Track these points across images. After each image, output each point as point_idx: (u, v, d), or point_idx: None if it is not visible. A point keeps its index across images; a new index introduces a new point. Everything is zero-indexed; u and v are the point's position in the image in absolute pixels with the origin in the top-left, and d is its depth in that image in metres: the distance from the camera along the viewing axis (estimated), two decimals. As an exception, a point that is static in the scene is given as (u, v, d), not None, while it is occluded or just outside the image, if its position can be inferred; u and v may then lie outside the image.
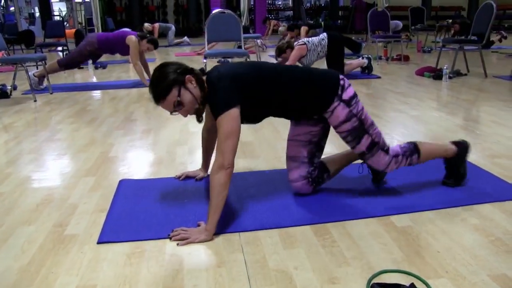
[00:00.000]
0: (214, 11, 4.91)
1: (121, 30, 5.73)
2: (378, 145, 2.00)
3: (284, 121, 3.43)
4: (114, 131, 3.44)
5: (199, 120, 1.94)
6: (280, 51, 5.48)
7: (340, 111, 1.95)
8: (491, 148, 2.85)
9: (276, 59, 5.61)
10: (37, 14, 16.07)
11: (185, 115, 1.88)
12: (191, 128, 3.43)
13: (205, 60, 4.60)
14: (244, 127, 3.38)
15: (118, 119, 3.81)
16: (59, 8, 20.23)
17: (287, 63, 5.38)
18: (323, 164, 2.15)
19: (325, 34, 5.68)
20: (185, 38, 12.44)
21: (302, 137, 2.11)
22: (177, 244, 1.71)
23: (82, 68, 7.45)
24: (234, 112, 1.78)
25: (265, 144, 3.02)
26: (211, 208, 1.74)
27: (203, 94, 1.86)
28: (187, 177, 2.38)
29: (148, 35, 5.65)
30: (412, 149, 2.08)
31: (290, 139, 2.15)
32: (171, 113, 1.87)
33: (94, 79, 6.42)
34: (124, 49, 5.49)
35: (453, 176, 2.23)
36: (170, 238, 1.75)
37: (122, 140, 3.19)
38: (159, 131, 3.40)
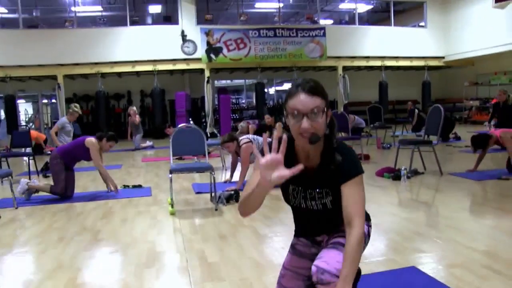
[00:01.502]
0: (179, 126, 5.15)
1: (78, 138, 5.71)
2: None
3: (248, 237, 3.50)
4: (81, 252, 3.42)
5: (312, 142, 1.78)
6: (224, 142, 5.83)
7: None
8: (448, 257, 2.99)
9: (221, 146, 6.00)
10: (3, 116, 16.16)
11: (307, 128, 1.72)
12: (158, 248, 3.46)
13: (170, 175, 4.72)
14: (208, 246, 3.43)
15: (85, 239, 3.79)
16: (25, 109, 20.32)
17: (242, 161, 5.72)
18: None
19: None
20: (147, 142, 12.66)
21: (304, 271, 2.03)
22: None
23: (48, 176, 7.42)
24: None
25: (230, 265, 3.04)
26: (354, 263, 1.70)
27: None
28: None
29: (106, 133, 5.70)
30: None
31: (288, 269, 2.07)
32: (297, 114, 1.73)
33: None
34: (85, 154, 5.56)
35: None
36: None
37: (89, 263, 3.18)
38: (126, 251, 3.40)
